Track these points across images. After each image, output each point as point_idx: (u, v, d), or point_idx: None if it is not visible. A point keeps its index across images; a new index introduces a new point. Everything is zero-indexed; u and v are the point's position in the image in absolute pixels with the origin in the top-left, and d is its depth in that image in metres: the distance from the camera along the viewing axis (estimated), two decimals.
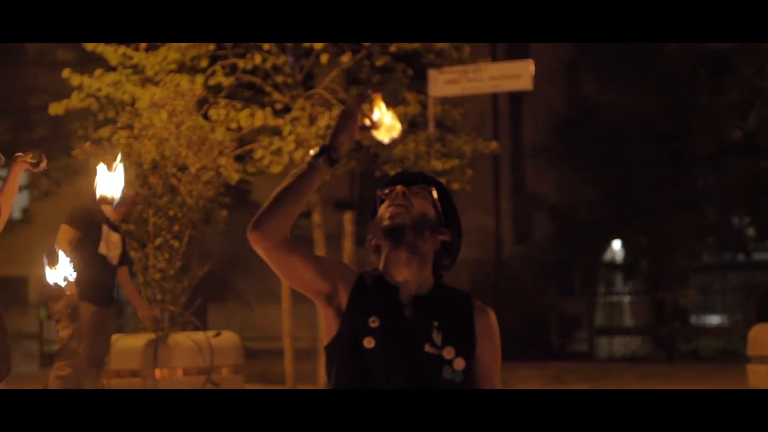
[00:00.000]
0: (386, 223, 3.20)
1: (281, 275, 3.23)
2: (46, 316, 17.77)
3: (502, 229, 22.80)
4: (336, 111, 12.55)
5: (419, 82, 13.73)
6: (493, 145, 14.34)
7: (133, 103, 11.79)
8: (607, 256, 24.59)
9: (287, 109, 13.03)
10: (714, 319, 24.41)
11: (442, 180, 13.14)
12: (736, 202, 21.92)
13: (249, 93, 13.44)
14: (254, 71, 13.18)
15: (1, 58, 20.27)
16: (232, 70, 13.10)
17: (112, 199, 4.33)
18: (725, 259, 23.63)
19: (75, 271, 8.57)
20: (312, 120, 12.67)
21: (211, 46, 12.87)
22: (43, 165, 5.52)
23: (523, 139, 23.38)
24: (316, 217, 13.54)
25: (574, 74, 22.14)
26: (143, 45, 12.58)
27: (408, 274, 3.21)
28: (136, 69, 12.64)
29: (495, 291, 20.50)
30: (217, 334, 10.39)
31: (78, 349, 8.40)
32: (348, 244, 13.86)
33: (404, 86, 13.55)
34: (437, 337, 3.16)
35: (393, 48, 13.05)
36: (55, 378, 8.41)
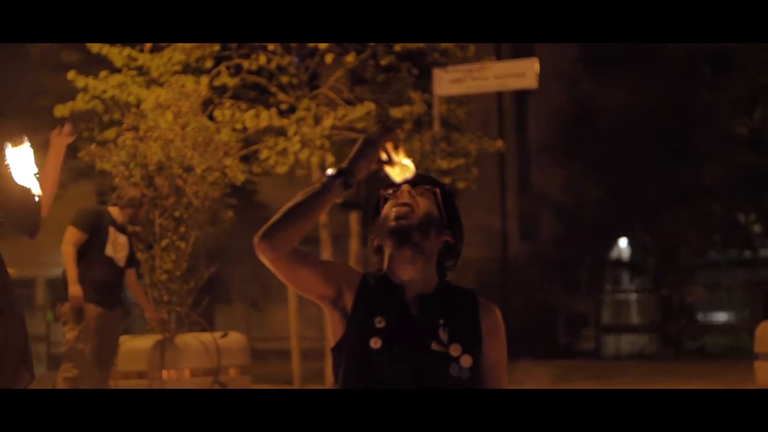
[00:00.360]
0: (392, 223, 3.21)
1: (286, 282, 3.24)
2: (53, 318, 17.81)
3: (508, 227, 22.82)
4: (341, 111, 12.56)
5: (424, 81, 13.73)
6: (499, 143, 14.34)
7: (138, 105, 11.80)
8: (614, 254, 24.56)
9: (292, 110, 13.04)
10: (721, 316, 24.38)
11: (448, 179, 13.25)
12: (742, 198, 21.90)
13: (254, 93, 13.46)
14: (259, 72, 13.19)
15: (5, 59, 20.29)
16: (237, 70, 13.11)
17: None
18: (732, 255, 23.59)
19: (81, 272, 8.60)
20: (317, 120, 12.68)
21: (216, 47, 12.88)
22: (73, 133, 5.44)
23: (528, 138, 23.38)
24: (322, 217, 13.54)
25: (579, 72, 22.11)
26: (148, 47, 12.59)
27: (413, 273, 3.22)
28: (141, 70, 12.65)
29: (501, 289, 20.50)
30: (224, 335, 10.40)
31: (84, 351, 8.41)
32: (354, 244, 13.87)
33: (409, 85, 13.56)
34: (443, 335, 3.16)
35: (398, 47, 13.04)
36: (62, 380, 8.42)
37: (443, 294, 3.24)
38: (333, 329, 3.25)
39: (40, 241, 5.05)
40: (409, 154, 3.20)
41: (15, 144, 4.48)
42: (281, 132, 12.70)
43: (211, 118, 12.26)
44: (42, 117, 14.09)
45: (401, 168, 3.17)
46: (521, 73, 13.88)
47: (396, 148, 3.16)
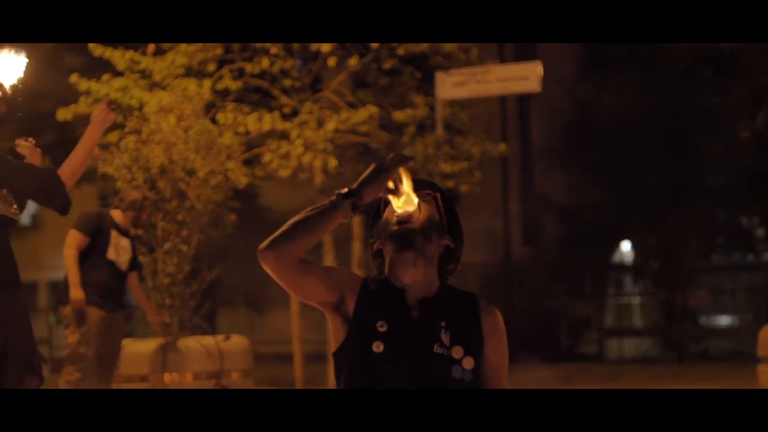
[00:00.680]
0: (394, 227, 3.22)
1: (287, 290, 3.28)
2: (55, 321, 17.80)
3: (510, 231, 22.81)
4: (344, 114, 12.56)
5: (427, 85, 13.73)
6: (502, 147, 14.33)
7: (140, 108, 11.79)
8: (616, 258, 24.53)
9: (295, 113, 13.03)
10: (724, 320, 24.33)
11: (451, 183, 13.24)
12: (745, 201, 21.87)
13: (257, 97, 13.45)
14: (262, 75, 13.19)
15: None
16: (240, 74, 13.10)
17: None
18: (734, 259, 23.57)
19: (83, 276, 8.59)
20: (320, 123, 12.68)
21: (219, 51, 12.88)
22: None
23: (531, 141, 23.37)
24: None
25: (582, 76, 22.10)
26: (150, 50, 12.59)
27: (414, 276, 3.23)
28: (144, 74, 12.65)
29: (504, 293, 20.50)
30: (227, 338, 10.40)
31: (87, 354, 8.41)
32: (356, 247, 13.86)
33: (412, 89, 13.55)
34: (445, 338, 3.18)
35: (400, 50, 13.03)
36: (64, 383, 8.43)
37: (444, 297, 3.25)
38: (335, 334, 3.27)
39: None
40: (412, 171, 3.20)
41: None
42: (284, 135, 12.69)
43: (213, 121, 12.25)
44: (45, 120, 14.10)
45: (406, 199, 3.18)
46: (524, 76, 13.88)
47: (404, 179, 3.17)
